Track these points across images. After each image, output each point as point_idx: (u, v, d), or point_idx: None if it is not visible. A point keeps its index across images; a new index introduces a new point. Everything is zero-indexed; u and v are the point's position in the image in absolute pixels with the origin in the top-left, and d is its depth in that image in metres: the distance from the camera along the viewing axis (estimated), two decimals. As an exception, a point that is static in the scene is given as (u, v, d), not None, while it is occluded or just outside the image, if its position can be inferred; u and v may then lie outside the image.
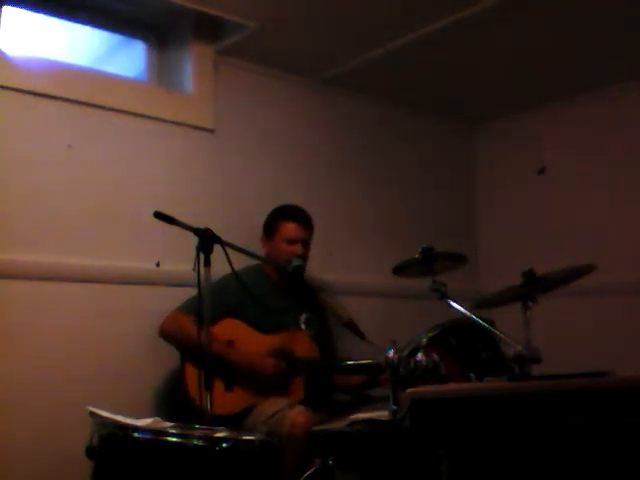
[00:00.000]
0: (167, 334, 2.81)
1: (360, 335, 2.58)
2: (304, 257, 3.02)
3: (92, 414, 2.05)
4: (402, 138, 4.09)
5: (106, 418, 2.03)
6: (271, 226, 3.08)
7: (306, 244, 3.05)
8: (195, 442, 1.93)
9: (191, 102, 3.31)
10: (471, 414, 1.81)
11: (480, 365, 2.45)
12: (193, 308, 2.63)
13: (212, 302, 2.31)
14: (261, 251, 3.05)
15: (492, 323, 2.48)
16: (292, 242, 3.00)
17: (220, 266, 2.39)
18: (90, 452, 2.01)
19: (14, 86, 2.81)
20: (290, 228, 3.02)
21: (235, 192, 3.38)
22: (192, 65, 3.31)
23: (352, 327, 2.62)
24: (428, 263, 2.59)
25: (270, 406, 2.67)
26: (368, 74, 3.67)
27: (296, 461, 2.41)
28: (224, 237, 2.37)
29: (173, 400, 2.90)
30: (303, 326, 2.93)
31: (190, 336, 2.46)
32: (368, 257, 3.81)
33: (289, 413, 2.56)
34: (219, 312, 2.73)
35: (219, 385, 2.69)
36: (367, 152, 3.93)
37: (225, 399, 2.69)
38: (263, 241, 3.10)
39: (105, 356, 2.89)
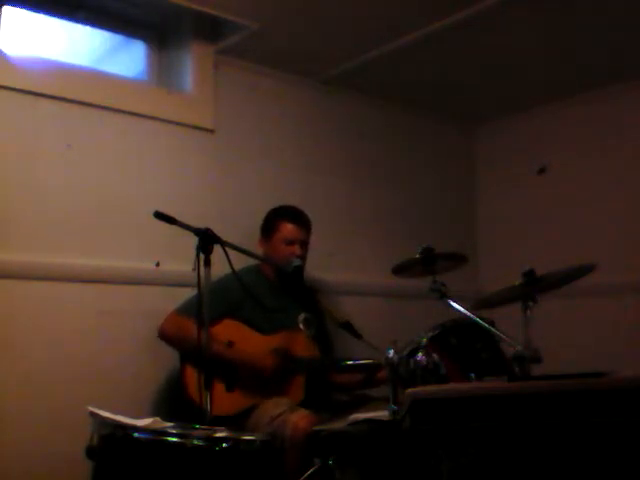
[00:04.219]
0: (167, 336, 2.81)
1: (357, 336, 2.58)
2: (303, 257, 3.02)
3: (92, 414, 2.05)
4: (402, 138, 4.09)
5: (106, 418, 2.03)
6: (269, 227, 3.08)
7: (304, 244, 3.05)
8: (195, 442, 1.93)
9: (191, 102, 3.31)
10: (471, 414, 1.81)
11: (480, 365, 2.45)
12: (192, 309, 2.63)
13: (212, 301, 2.31)
14: (258, 252, 3.04)
15: (492, 323, 2.47)
16: (290, 243, 3.00)
17: (220, 266, 2.39)
18: (90, 452, 2.01)
19: (14, 86, 2.80)
20: (288, 229, 3.02)
21: (235, 192, 3.38)
22: (192, 65, 3.31)
23: (349, 328, 2.61)
24: (428, 263, 2.59)
25: (273, 407, 2.67)
26: (368, 74, 3.67)
27: (297, 464, 2.40)
28: (224, 237, 2.37)
29: (173, 400, 2.90)
30: (302, 326, 2.92)
31: (190, 338, 2.46)
32: (368, 257, 3.81)
33: (291, 416, 2.55)
34: (219, 312, 2.73)
35: (220, 386, 2.69)
36: (367, 152, 3.93)
37: (226, 400, 2.68)
38: (261, 242, 3.10)
39: (105, 356, 2.89)
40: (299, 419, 2.53)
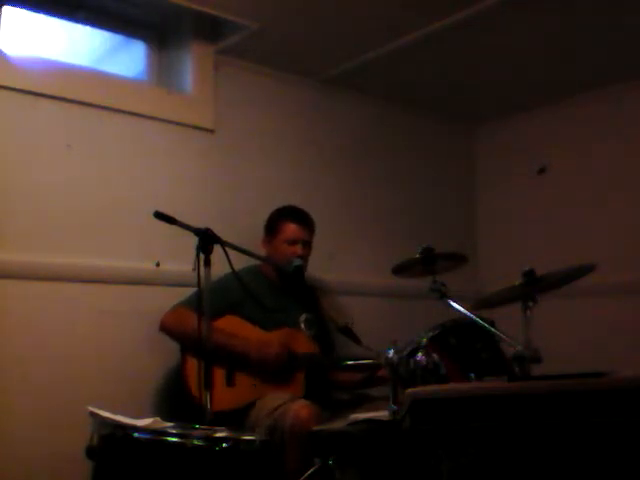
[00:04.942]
0: (168, 328, 2.81)
1: (356, 341, 2.58)
2: (305, 257, 3.02)
3: (92, 414, 2.05)
4: (402, 138, 4.09)
5: (106, 418, 2.03)
6: (272, 227, 3.08)
7: (307, 245, 3.05)
8: (195, 442, 1.93)
9: (191, 102, 3.31)
10: (471, 414, 1.81)
11: (480, 365, 2.44)
12: (193, 303, 2.63)
13: (213, 300, 2.32)
14: (261, 252, 3.05)
15: (492, 323, 2.47)
16: (293, 243, 3.01)
17: (220, 266, 2.39)
18: (90, 452, 2.01)
19: (14, 86, 2.80)
20: (291, 229, 3.03)
21: (235, 192, 3.38)
22: (192, 65, 3.31)
23: (348, 333, 2.61)
24: (428, 263, 2.59)
25: (272, 400, 2.67)
26: (368, 74, 3.67)
27: (298, 454, 2.40)
28: (224, 237, 2.37)
29: (173, 399, 2.90)
30: (302, 326, 2.93)
31: (190, 329, 2.45)
32: (368, 257, 3.81)
33: (292, 406, 2.55)
34: (222, 309, 2.74)
35: (220, 381, 2.69)
36: (367, 152, 3.93)
37: (226, 395, 2.69)
38: (264, 241, 3.10)
39: (105, 356, 2.89)
40: (300, 408, 2.53)
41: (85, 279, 2.90)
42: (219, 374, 2.70)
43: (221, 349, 2.61)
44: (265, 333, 2.87)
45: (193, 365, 2.68)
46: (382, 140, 4.00)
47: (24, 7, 3.01)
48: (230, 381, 2.74)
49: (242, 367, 2.76)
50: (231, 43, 3.30)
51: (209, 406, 2.24)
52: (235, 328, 2.82)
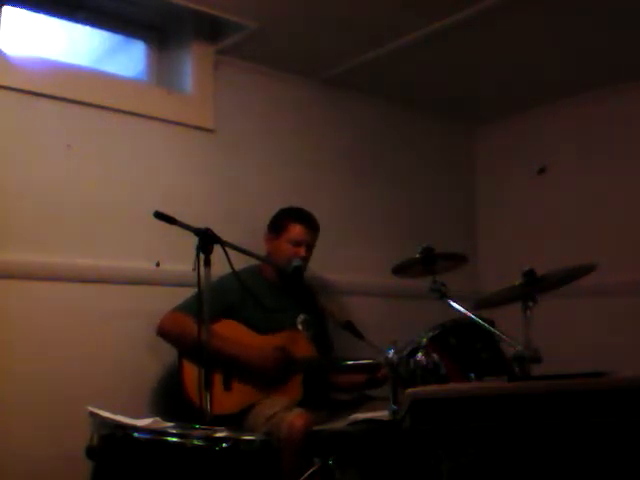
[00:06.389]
0: (165, 332, 2.80)
1: (359, 336, 2.58)
2: (306, 259, 3.03)
3: (92, 414, 2.06)
4: (402, 138, 4.09)
5: (106, 418, 2.03)
6: (279, 225, 3.08)
7: (310, 247, 3.06)
8: (195, 442, 1.93)
9: (191, 102, 3.31)
10: (471, 414, 1.81)
11: (480, 365, 2.45)
12: (191, 308, 2.63)
13: (211, 301, 2.31)
14: (262, 248, 3.05)
15: (492, 323, 2.48)
16: (297, 244, 3.01)
17: (220, 266, 2.39)
18: (90, 452, 2.01)
19: (14, 86, 2.80)
20: (298, 230, 3.03)
21: (235, 192, 3.38)
22: (192, 65, 3.31)
23: (351, 328, 2.62)
24: (428, 263, 2.60)
25: (269, 407, 2.66)
26: (368, 74, 3.67)
27: (294, 463, 2.40)
28: (224, 237, 2.37)
29: (173, 400, 2.90)
30: (300, 327, 2.93)
31: (188, 335, 2.46)
32: (368, 257, 3.80)
33: (287, 416, 2.55)
34: (218, 311, 2.72)
35: (218, 385, 2.69)
36: (367, 152, 3.93)
37: (223, 399, 2.68)
38: (267, 238, 3.10)
39: (105, 356, 2.89)
40: (295, 418, 2.53)
41: (85, 279, 2.90)
42: (216, 378, 2.68)
43: (218, 354, 2.61)
44: (261, 337, 2.86)
45: (190, 369, 2.67)
46: (382, 140, 4.00)
47: (24, 7, 3.01)
48: (227, 385, 2.73)
49: (239, 372, 2.76)
50: (231, 43, 3.30)
51: (209, 406, 2.24)
52: (230, 333, 2.81)
